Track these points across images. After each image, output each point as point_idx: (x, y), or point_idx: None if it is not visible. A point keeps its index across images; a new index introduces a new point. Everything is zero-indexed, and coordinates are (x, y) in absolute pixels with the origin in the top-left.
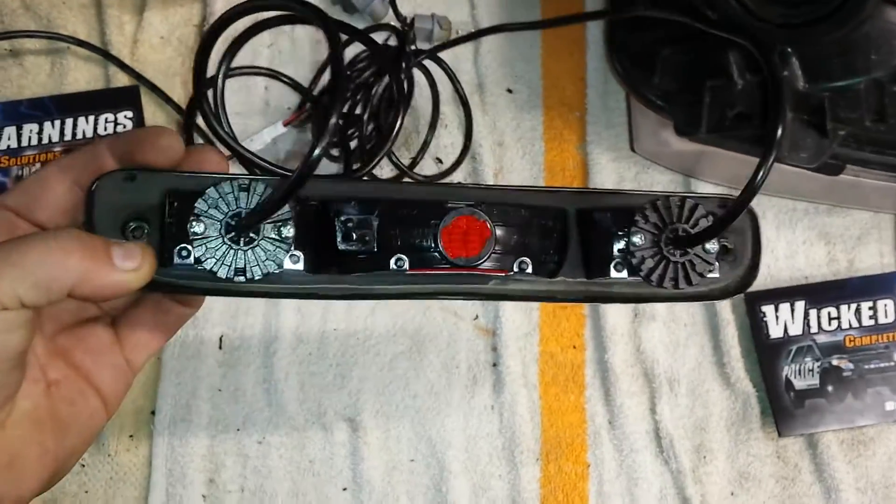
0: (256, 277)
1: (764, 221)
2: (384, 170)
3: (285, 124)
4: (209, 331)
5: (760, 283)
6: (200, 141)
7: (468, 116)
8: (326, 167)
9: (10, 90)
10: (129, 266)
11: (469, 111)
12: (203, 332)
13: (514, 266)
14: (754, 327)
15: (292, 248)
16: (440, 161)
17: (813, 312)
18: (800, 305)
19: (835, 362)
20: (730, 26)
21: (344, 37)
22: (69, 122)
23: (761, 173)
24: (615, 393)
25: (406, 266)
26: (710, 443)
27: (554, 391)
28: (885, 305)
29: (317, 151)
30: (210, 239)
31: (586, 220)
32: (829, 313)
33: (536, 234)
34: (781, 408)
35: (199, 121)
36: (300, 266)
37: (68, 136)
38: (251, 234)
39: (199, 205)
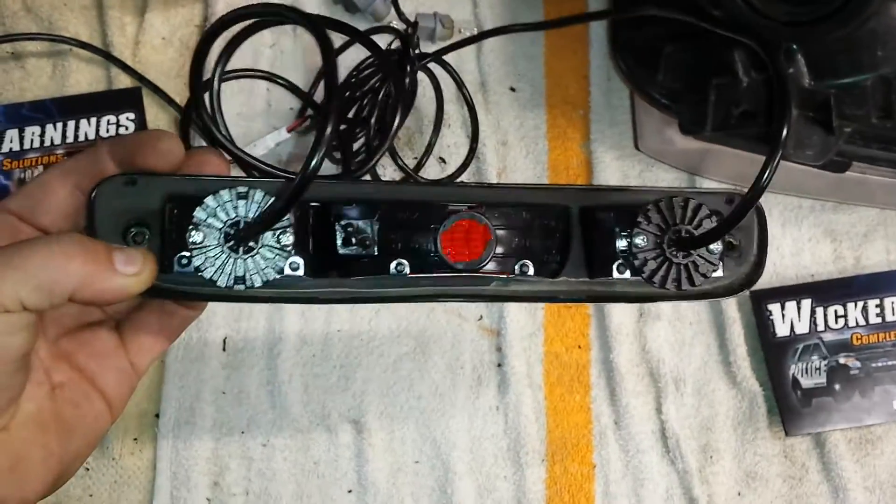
0: (256, 285)
1: (769, 219)
2: (387, 170)
3: (289, 130)
4: (213, 333)
5: (766, 281)
6: (203, 143)
7: (474, 119)
8: (328, 168)
9: (11, 93)
10: (131, 271)
11: (475, 113)
12: (206, 335)
13: (516, 268)
14: (760, 326)
15: (292, 255)
16: (443, 161)
17: (819, 310)
18: (806, 303)
19: (842, 360)
20: (735, 25)
21: (341, 38)
22: (71, 124)
23: (766, 174)
24: (621, 393)
25: (406, 270)
26: (717, 442)
27: (559, 391)
28: (893, 303)
29: (313, 163)
30: (209, 248)
31: (590, 219)
32: (835, 311)
33: (538, 234)
34: (788, 407)
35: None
36: (300, 272)
37: (70, 139)
38: (252, 243)
39: (198, 213)
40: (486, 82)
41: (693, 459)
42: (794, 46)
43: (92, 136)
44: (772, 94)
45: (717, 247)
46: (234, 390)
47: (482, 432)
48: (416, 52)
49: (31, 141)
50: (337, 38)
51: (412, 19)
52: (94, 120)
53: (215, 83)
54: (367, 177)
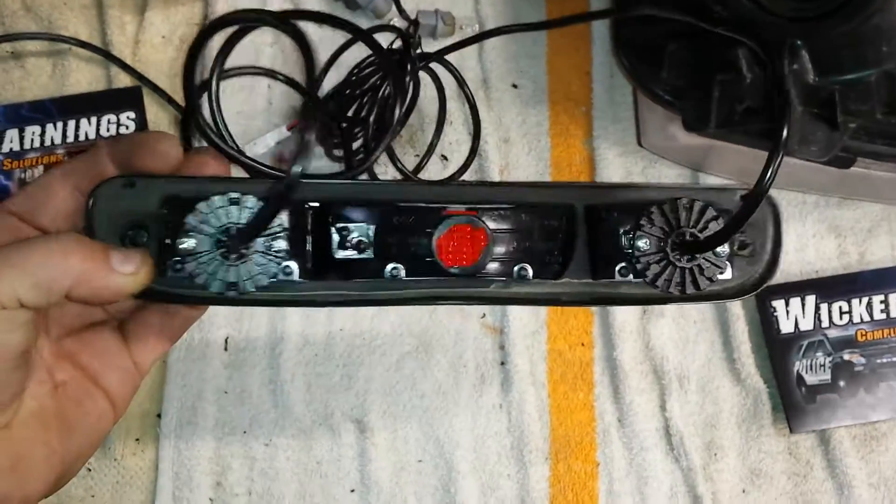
0: (249, 291)
1: None
2: (388, 170)
3: (289, 129)
4: (214, 333)
5: None
6: (204, 143)
7: (476, 121)
8: (330, 167)
9: (11, 92)
10: (127, 270)
11: (477, 114)
12: (208, 335)
13: (514, 272)
14: (765, 322)
15: (286, 260)
16: (445, 158)
17: (824, 307)
18: (810, 300)
19: (846, 357)
20: (735, 26)
21: (343, 36)
22: (71, 123)
23: (768, 175)
24: (624, 390)
25: (402, 275)
26: (721, 440)
27: (562, 389)
28: None
29: (296, 169)
30: (201, 254)
31: (594, 218)
32: (840, 307)
33: (539, 235)
34: (793, 404)
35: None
36: (294, 276)
37: (71, 139)
38: (243, 249)
39: (190, 220)
40: (487, 79)
41: (697, 457)
42: (799, 42)
43: (92, 135)
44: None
45: (723, 249)
46: (237, 390)
47: (485, 431)
48: (418, 51)
49: (32, 141)
50: (339, 37)
51: (413, 16)
52: (94, 119)
53: (213, 83)
54: (365, 176)
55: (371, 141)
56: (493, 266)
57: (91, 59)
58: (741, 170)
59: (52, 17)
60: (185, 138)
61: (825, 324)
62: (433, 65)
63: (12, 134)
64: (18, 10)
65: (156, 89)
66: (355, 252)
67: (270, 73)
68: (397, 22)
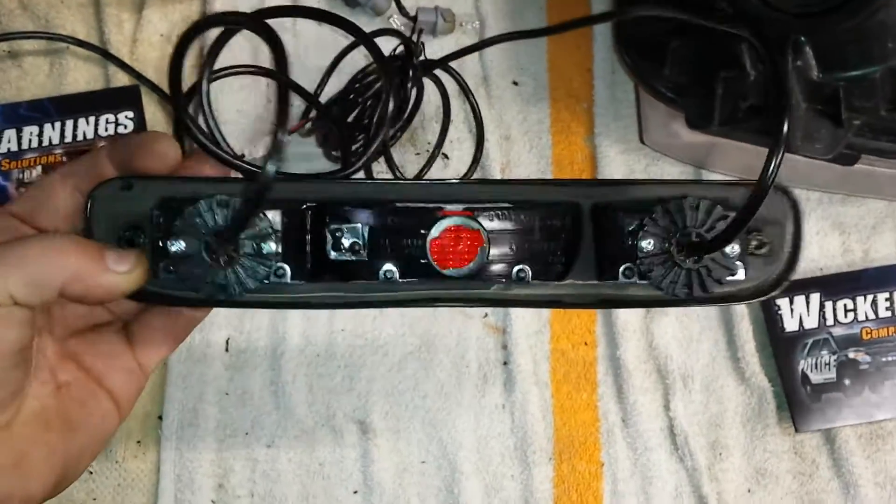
0: (238, 293)
1: None
2: (388, 173)
3: (290, 132)
4: (215, 334)
5: None
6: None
7: (479, 129)
8: (330, 168)
9: (9, 92)
10: (121, 269)
11: (481, 123)
12: (209, 336)
13: (513, 275)
14: (769, 321)
15: (278, 262)
16: (446, 157)
17: (829, 304)
18: (815, 298)
19: (851, 355)
20: (736, 20)
21: (347, 38)
22: (69, 123)
23: (771, 169)
24: (628, 390)
25: (396, 276)
26: (726, 439)
27: (566, 389)
28: None
29: (269, 166)
30: (190, 257)
31: (600, 217)
32: (844, 305)
33: (540, 235)
34: (798, 402)
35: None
36: (287, 278)
37: (69, 138)
38: (231, 252)
39: (178, 223)
40: (488, 76)
41: (702, 457)
42: (803, 38)
43: (91, 135)
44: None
45: (733, 249)
46: (238, 391)
47: (489, 431)
48: (421, 58)
49: (30, 141)
50: (340, 36)
51: (413, 13)
52: (92, 119)
53: (204, 84)
54: (361, 175)
55: (370, 145)
56: (490, 268)
57: (89, 57)
58: (745, 167)
59: (49, 15)
60: (179, 139)
61: (830, 322)
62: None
63: (10, 134)
64: (15, 8)
65: (154, 88)
66: (349, 254)
67: (268, 74)
68: (397, 19)
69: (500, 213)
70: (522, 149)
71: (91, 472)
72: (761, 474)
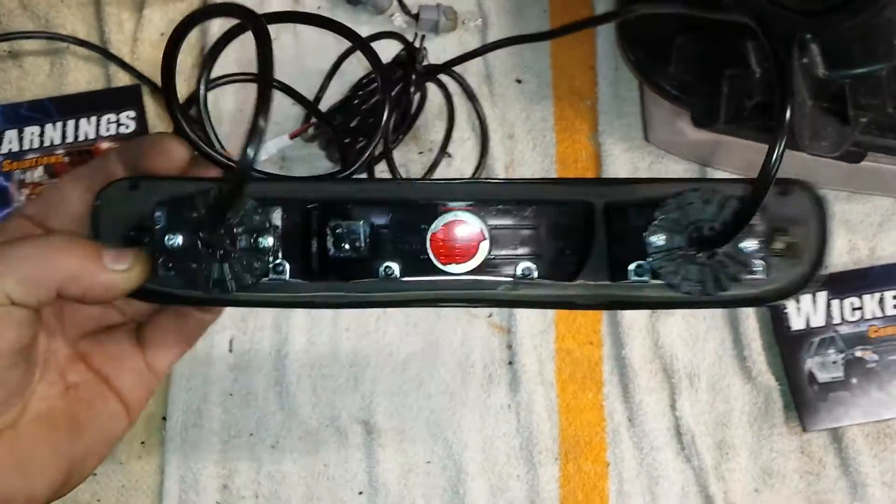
0: (235, 290)
1: None
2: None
3: (291, 137)
4: (219, 334)
5: None
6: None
7: (483, 128)
8: (331, 169)
9: (9, 92)
10: (119, 268)
11: (484, 123)
12: (213, 337)
13: (518, 272)
14: (775, 319)
15: (276, 259)
16: (449, 155)
17: (835, 303)
18: (821, 296)
19: (858, 354)
20: (734, 11)
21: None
22: (71, 123)
23: (774, 157)
24: (634, 389)
25: (395, 274)
26: (733, 439)
27: (571, 389)
28: None
29: (250, 152)
30: (187, 252)
31: (611, 215)
32: (851, 303)
33: (547, 234)
34: (805, 401)
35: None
36: (286, 275)
37: (70, 138)
38: (227, 246)
39: (175, 219)
40: (491, 74)
41: (708, 456)
42: (809, 36)
43: (92, 135)
44: (793, 93)
45: (749, 245)
46: (242, 392)
47: (494, 431)
48: (424, 63)
49: (31, 141)
50: (344, 41)
51: (415, 11)
52: (93, 119)
53: (201, 90)
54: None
55: (369, 148)
56: (493, 265)
57: (89, 57)
58: (750, 164)
59: (49, 15)
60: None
61: (836, 320)
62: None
63: (11, 135)
64: (15, 8)
65: (155, 88)
66: (350, 251)
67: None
68: (399, 17)
69: (503, 209)
70: (526, 147)
71: (95, 474)
72: (768, 474)
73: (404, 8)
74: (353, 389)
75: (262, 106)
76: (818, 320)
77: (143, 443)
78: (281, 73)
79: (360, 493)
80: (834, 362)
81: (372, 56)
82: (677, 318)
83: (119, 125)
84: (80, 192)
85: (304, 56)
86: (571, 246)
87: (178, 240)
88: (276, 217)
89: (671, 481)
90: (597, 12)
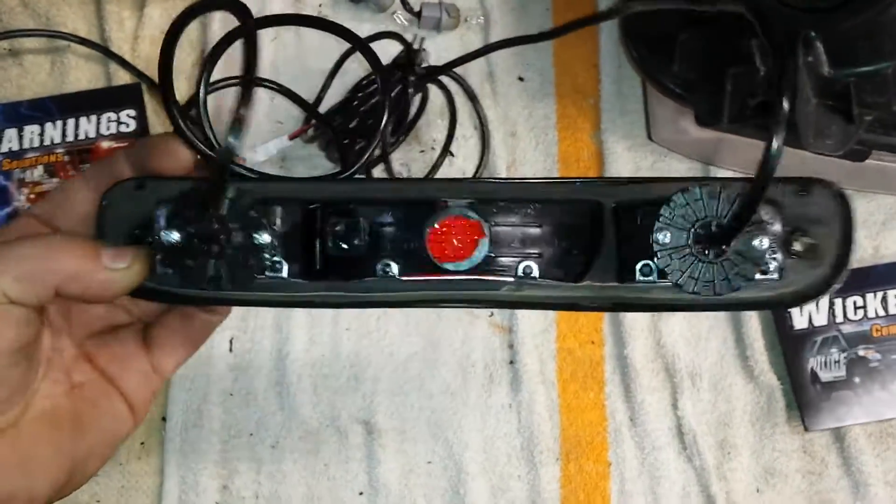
0: (229, 287)
1: None
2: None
3: (291, 138)
4: (219, 334)
5: None
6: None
7: (484, 129)
8: (331, 169)
9: (10, 90)
10: (117, 266)
11: (485, 124)
12: (213, 336)
13: (519, 271)
14: (778, 318)
15: (273, 255)
16: (452, 154)
17: (838, 301)
18: None
19: (861, 353)
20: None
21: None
22: (71, 122)
23: (774, 144)
24: (636, 389)
25: (393, 272)
26: (735, 438)
27: (573, 388)
28: None
29: (231, 142)
30: (183, 248)
31: (621, 216)
32: (854, 302)
33: (551, 233)
34: (807, 401)
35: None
36: (284, 273)
37: (70, 137)
38: (222, 243)
39: (173, 215)
40: (493, 72)
41: (710, 456)
42: (813, 34)
43: (93, 134)
44: (792, 84)
45: (761, 243)
46: (242, 392)
47: (495, 431)
48: (424, 65)
49: (31, 140)
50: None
51: (417, 9)
52: (94, 118)
53: (201, 94)
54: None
55: (368, 149)
56: (495, 265)
57: (90, 55)
58: (754, 163)
59: (49, 13)
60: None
61: (839, 319)
62: (438, 56)
63: (11, 133)
64: (16, 6)
65: (155, 86)
66: (348, 249)
67: (268, 85)
68: (401, 15)
69: (504, 207)
70: (528, 145)
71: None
72: (770, 473)
73: (406, 6)
74: (354, 389)
75: (245, 97)
76: (821, 319)
77: (142, 443)
78: (282, 73)
79: (361, 493)
80: (836, 361)
81: (371, 57)
82: (679, 318)
83: (120, 124)
84: (88, 192)
85: (305, 56)
86: (577, 246)
87: (174, 236)
88: (273, 214)
89: (673, 481)
90: (600, 10)
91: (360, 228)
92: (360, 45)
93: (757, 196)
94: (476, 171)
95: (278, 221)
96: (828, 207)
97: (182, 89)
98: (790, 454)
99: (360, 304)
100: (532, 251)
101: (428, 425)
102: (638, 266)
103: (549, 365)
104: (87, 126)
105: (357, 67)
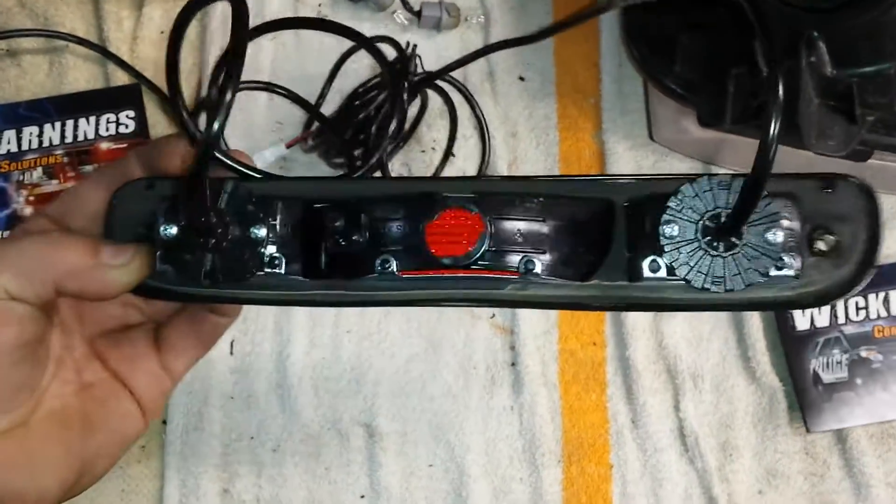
0: (225, 282)
1: None
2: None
3: (288, 146)
4: None
5: None
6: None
7: (484, 130)
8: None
9: (8, 91)
10: (117, 262)
11: (485, 125)
12: None
13: (520, 266)
14: (780, 319)
15: (271, 250)
16: (452, 154)
17: (840, 302)
18: None
19: (863, 354)
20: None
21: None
22: (70, 123)
23: (771, 129)
24: (637, 391)
25: (393, 267)
26: (737, 440)
27: (575, 390)
28: None
29: (216, 125)
30: (181, 244)
31: (632, 213)
32: (856, 303)
33: (557, 230)
34: (809, 402)
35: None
36: (281, 270)
37: (69, 139)
38: (218, 236)
39: (173, 210)
40: (493, 72)
41: (712, 458)
42: (816, 34)
43: (91, 135)
44: (794, 84)
45: (775, 236)
46: (243, 395)
47: (497, 433)
48: (421, 70)
49: (30, 141)
50: (347, 43)
51: (417, 8)
52: (93, 119)
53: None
54: None
55: (371, 152)
56: (491, 260)
57: (89, 56)
58: None
59: (47, 13)
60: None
61: (841, 320)
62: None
63: (10, 135)
64: (13, 6)
65: (154, 89)
66: (347, 247)
67: (270, 88)
68: (400, 15)
69: (507, 202)
70: (529, 145)
71: None
72: (772, 475)
73: (406, 5)
74: (355, 392)
75: (229, 80)
76: (822, 320)
77: (143, 446)
78: (281, 73)
79: (362, 496)
80: (838, 363)
81: (378, 54)
82: (681, 319)
83: (119, 125)
84: (100, 193)
85: (304, 56)
86: (584, 244)
87: (172, 230)
88: (272, 210)
89: (675, 483)
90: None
91: (359, 225)
92: (365, 43)
93: (762, 173)
94: (478, 172)
95: (278, 218)
96: (854, 204)
97: (183, 89)
98: (792, 456)
99: (360, 302)
100: (537, 249)
101: (429, 428)
102: (646, 262)
103: (550, 367)
104: (86, 127)
105: (357, 67)
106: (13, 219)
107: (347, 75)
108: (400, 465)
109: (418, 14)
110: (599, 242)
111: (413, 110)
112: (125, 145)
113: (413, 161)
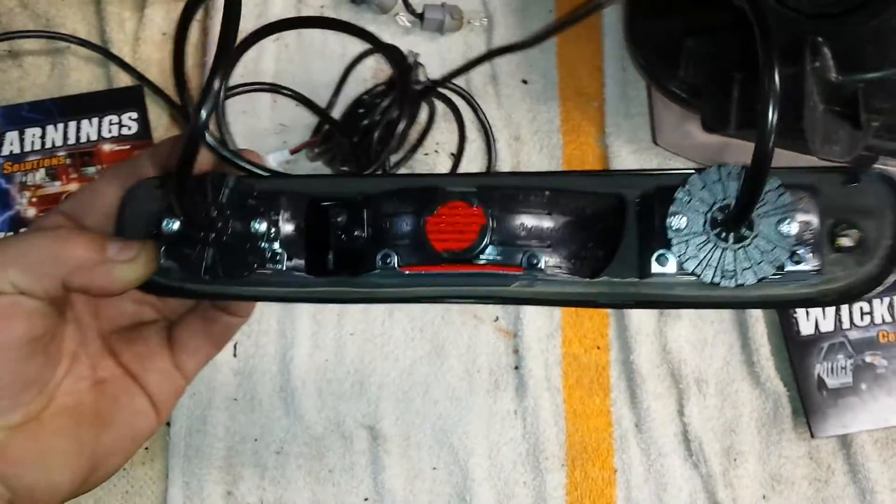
0: (226, 277)
1: None
2: None
3: (292, 152)
4: None
5: None
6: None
7: (487, 135)
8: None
9: (10, 93)
10: (123, 258)
11: (488, 130)
12: None
13: (523, 261)
14: (784, 324)
15: (272, 247)
16: (455, 157)
17: (844, 307)
18: None
19: (868, 359)
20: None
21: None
22: (72, 124)
23: (768, 120)
24: (641, 395)
25: (394, 262)
26: (741, 445)
27: (578, 394)
28: None
29: (203, 113)
30: (184, 239)
31: (643, 209)
32: (861, 308)
33: (563, 226)
34: (814, 407)
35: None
36: (282, 266)
37: (72, 140)
38: (219, 231)
39: (171, 205)
40: (496, 75)
41: (716, 462)
42: (821, 39)
43: (94, 136)
44: (798, 88)
45: (789, 228)
46: (247, 397)
47: (500, 437)
48: (425, 79)
49: (32, 143)
50: (351, 45)
51: (420, 11)
52: (95, 120)
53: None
54: None
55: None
56: (493, 254)
57: (91, 57)
58: None
59: (49, 14)
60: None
61: (846, 325)
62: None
63: (12, 136)
64: (15, 7)
65: (155, 90)
66: (349, 242)
67: (275, 89)
68: (403, 17)
69: (510, 196)
70: (533, 149)
71: None
72: (777, 480)
73: (409, 7)
74: (359, 395)
75: (219, 67)
76: (827, 325)
77: (146, 448)
78: (284, 75)
79: (366, 499)
80: (843, 368)
81: (391, 56)
82: (685, 322)
83: (121, 126)
84: (113, 190)
85: (308, 57)
86: (593, 239)
87: (175, 225)
88: (274, 206)
89: (679, 488)
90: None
91: (361, 220)
92: (379, 46)
93: (763, 160)
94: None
95: (280, 214)
96: (880, 197)
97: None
98: (796, 461)
99: (362, 299)
100: (542, 245)
101: (433, 431)
102: (654, 257)
103: (554, 370)
104: (88, 128)
105: (360, 69)
106: (16, 220)
107: (349, 80)
108: (403, 467)
109: (421, 17)
110: (608, 238)
111: (419, 117)
112: (128, 147)
113: (417, 162)
